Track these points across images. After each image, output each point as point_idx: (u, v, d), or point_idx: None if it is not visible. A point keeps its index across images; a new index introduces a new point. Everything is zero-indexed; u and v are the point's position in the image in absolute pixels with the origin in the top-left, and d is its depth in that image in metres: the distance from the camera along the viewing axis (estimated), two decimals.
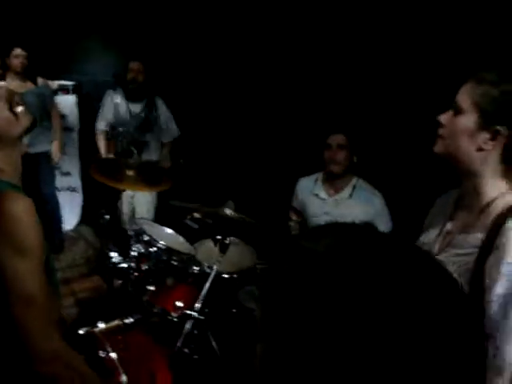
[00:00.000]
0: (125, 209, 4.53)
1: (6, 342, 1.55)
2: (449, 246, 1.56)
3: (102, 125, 4.77)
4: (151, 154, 4.68)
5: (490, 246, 1.39)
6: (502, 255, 1.33)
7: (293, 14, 4.49)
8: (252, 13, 4.75)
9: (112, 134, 4.69)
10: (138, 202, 4.55)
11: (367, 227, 0.70)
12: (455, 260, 1.48)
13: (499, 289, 1.32)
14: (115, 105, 4.66)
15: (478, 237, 1.44)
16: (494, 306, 1.32)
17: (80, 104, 5.68)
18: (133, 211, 4.51)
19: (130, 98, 4.65)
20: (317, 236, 0.70)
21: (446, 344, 0.58)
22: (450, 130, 1.51)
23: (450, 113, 1.51)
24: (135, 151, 4.55)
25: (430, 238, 1.68)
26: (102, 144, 4.76)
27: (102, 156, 4.64)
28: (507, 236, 1.35)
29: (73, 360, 1.60)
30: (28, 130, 1.73)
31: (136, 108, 4.64)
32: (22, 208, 1.51)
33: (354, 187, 3.32)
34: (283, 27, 4.57)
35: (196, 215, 3.51)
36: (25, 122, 1.71)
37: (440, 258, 1.50)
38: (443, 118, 1.53)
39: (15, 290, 1.47)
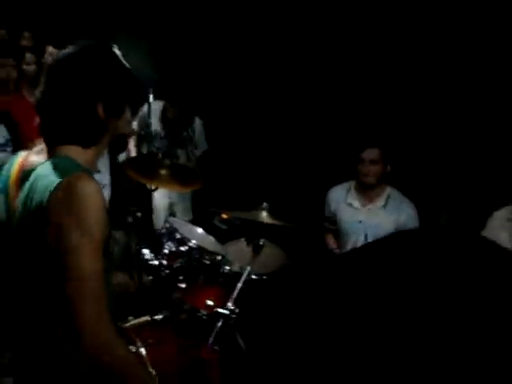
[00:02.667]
0: (159, 209, 4.54)
1: (55, 324, 1.58)
2: None
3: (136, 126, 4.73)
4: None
5: None
6: None
7: (325, 28, 4.50)
8: (277, 23, 4.77)
9: (145, 137, 4.70)
10: (176, 204, 4.57)
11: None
12: None
13: None
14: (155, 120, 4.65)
15: None
16: None
17: None
18: (170, 211, 4.52)
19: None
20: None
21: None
22: None
23: None
24: (160, 156, 4.54)
25: None
26: (132, 145, 4.73)
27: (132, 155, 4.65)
28: None
29: (121, 349, 1.61)
30: None
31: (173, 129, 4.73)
32: (92, 190, 1.54)
33: (388, 197, 3.33)
34: (315, 40, 4.59)
35: (224, 216, 3.52)
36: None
37: None
38: None
39: (71, 264, 1.49)
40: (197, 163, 4.85)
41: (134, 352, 2.46)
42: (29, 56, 4.55)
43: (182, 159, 4.72)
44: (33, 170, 1.62)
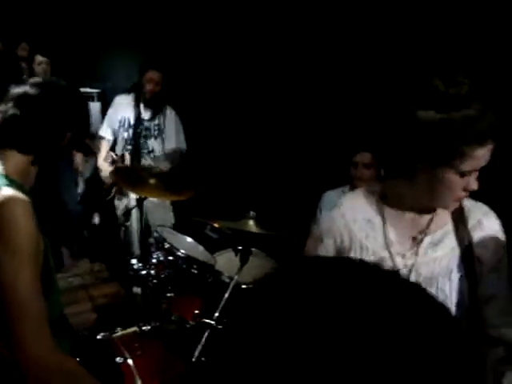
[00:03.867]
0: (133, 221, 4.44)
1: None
2: None
3: (108, 133, 4.63)
4: (159, 164, 4.50)
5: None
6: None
7: (323, 32, 4.50)
8: (273, 25, 4.77)
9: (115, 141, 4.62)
10: (151, 215, 4.41)
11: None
12: None
13: None
14: (124, 111, 4.56)
15: None
16: None
17: (104, 111, 5.73)
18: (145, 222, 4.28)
19: (142, 105, 4.54)
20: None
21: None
22: None
23: None
24: (128, 159, 4.46)
25: None
26: (103, 152, 4.59)
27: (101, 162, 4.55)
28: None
29: (64, 363, 1.58)
30: None
31: (145, 115, 4.54)
32: (18, 209, 1.54)
33: None
34: (311, 44, 4.58)
35: (216, 225, 3.50)
36: None
37: None
38: None
39: (5, 286, 1.48)
40: (181, 161, 4.70)
41: (121, 362, 2.47)
42: (22, 65, 4.64)
43: (157, 151, 4.56)
44: None
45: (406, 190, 1.52)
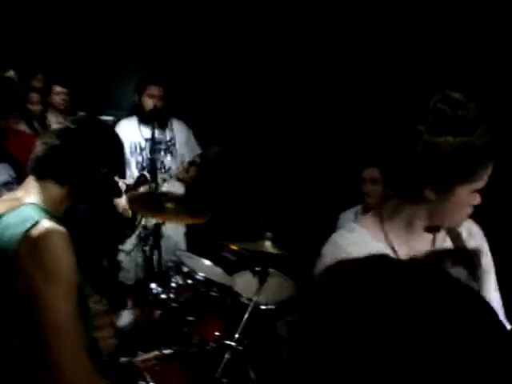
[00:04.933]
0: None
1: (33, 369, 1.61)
2: None
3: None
4: (174, 183, 4.40)
5: None
6: None
7: (328, 40, 4.55)
8: (279, 31, 4.82)
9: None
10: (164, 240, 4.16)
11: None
12: None
13: None
14: (131, 136, 4.35)
15: None
16: None
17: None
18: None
19: (145, 123, 4.32)
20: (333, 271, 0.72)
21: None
22: None
23: None
24: (148, 176, 4.31)
25: None
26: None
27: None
28: None
29: None
30: None
31: (147, 133, 4.27)
32: (57, 239, 1.61)
33: None
34: (318, 55, 4.63)
35: (233, 247, 3.53)
36: None
37: None
38: None
39: (43, 312, 1.54)
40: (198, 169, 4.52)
41: None
42: (34, 96, 4.63)
43: (173, 168, 4.42)
44: None
45: (416, 211, 1.52)
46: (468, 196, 1.45)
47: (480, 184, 1.43)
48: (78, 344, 1.58)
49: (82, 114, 4.89)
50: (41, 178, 1.76)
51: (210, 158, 4.29)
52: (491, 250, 1.71)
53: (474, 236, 1.66)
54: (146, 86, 4.29)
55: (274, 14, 4.85)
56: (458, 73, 3.56)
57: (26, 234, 1.57)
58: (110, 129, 2.03)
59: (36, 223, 1.60)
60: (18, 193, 1.79)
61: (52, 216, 1.70)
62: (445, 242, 1.63)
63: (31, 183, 1.77)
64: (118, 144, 1.98)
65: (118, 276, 4.36)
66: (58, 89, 4.83)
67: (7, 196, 1.86)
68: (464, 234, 1.65)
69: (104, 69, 5.72)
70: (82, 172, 1.80)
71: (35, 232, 1.58)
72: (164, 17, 5.51)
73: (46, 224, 1.62)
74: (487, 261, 1.67)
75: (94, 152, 1.83)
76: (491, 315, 0.63)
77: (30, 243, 1.57)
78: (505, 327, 0.63)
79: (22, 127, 4.22)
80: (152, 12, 5.58)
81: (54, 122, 4.63)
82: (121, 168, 2.07)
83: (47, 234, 1.59)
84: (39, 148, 1.79)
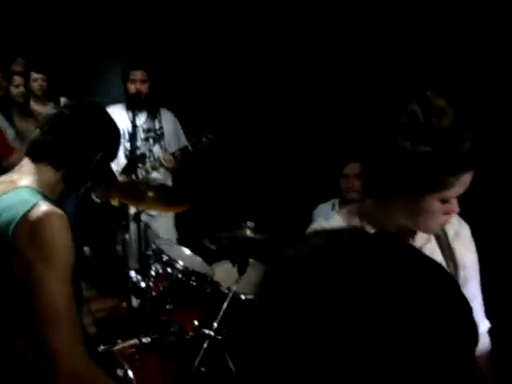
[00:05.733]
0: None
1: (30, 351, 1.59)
2: None
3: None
4: (159, 172, 4.43)
5: None
6: None
7: (318, 40, 4.55)
8: (269, 28, 4.81)
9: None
10: (158, 228, 4.36)
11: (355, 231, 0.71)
12: None
13: None
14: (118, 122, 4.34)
15: None
16: None
17: None
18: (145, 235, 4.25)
19: (132, 109, 4.36)
20: (302, 241, 0.72)
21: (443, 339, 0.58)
22: None
23: None
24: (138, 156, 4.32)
25: None
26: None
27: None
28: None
29: (97, 378, 1.63)
30: None
31: (139, 120, 4.41)
32: (54, 221, 1.60)
33: None
34: (304, 53, 4.63)
35: (214, 236, 3.52)
36: None
37: None
38: None
39: (40, 293, 1.54)
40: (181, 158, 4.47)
41: (121, 375, 2.49)
42: (17, 79, 4.58)
43: (160, 156, 4.43)
44: None
45: (391, 213, 1.50)
46: (439, 205, 1.40)
47: (452, 194, 1.39)
48: (76, 328, 1.57)
49: (64, 99, 4.88)
50: (36, 160, 1.76)
51: (203, 143, 4.26)
52: (485, 249, 1.71)
53: (460, 237, 1.63)
54: (129, 71, 4.35)
55: (261, 5, 4.84)
56: (449, 74, 3.58)
57: (25, 217, 1.56)
58: (107, 114, 2.02)
59: (34, 205, 1.59)
60: (13, 175, 1.78)
61: (49, 199, 1.69)
62: (429, 241, 1.60)
63: (26, 166, 1.76)
64: (114, 129, 1.97)
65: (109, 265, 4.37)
66: (34, 75, 4.78)
67: (2, 178, 1.83)
68: (451, 234, 1.62)
69: (89, 56, 5.65)
70: (78, 156, 1.80)
71: (34, 214, 1.57)
72: (154, 5, 5.45)
73: (45, 206, 1.61)
74: (472, 263, 1.64)
75: (90, 137, 1.82)
76: (454, 287, 0.64)
77: (29, 225, 1.56)
78: (464, 297, 0.64)
79: None
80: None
81: (36, 108, 4.60)
82: (116, 153, 2.04)
83: (46, 216, 1.58)
84: (36, 132, 1.79)
